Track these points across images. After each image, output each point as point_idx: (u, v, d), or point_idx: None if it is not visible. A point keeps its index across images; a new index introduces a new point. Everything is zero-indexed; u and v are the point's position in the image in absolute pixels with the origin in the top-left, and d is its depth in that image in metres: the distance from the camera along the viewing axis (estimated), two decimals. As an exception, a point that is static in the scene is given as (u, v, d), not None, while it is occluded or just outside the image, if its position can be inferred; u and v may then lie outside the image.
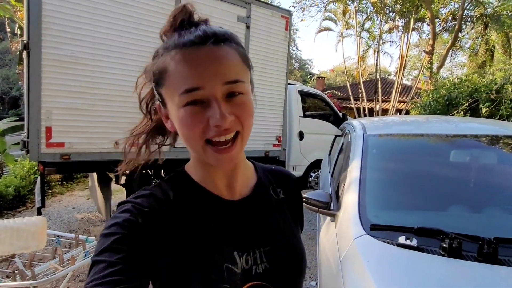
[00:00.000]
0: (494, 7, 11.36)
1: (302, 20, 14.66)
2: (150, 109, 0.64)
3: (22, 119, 4.00)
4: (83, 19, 3.32)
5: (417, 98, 11.91)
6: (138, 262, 0.50)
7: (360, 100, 14.84)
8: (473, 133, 2.11)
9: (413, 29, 13.45)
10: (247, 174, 0.70)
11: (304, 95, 6.13)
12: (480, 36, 11.88)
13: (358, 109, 14.62)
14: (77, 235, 2.18)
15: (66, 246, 2.43)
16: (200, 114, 0.52)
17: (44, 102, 3.20)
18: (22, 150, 3.40)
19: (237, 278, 0.58)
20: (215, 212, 0.62)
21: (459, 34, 11.42)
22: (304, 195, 1.96)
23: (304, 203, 1.94)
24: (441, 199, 1.73)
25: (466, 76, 7.52)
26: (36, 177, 4.77)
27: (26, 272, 1.70)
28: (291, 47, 22.63)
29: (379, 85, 14.92)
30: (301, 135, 5.90)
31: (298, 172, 5.90)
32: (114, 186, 4.42)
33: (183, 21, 0.55)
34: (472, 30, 12.88)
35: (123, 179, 4.46)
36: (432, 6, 10.27)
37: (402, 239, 1.38)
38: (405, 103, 13.99)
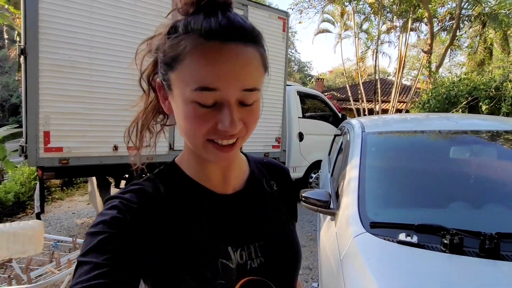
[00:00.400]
0: (492, 5, 11.38)
1: (300, 22, 14.69)
2: (151, 84, 0.59)
3: (22, 126, 4.00)
4: (80, 23, 3.33)
5: (417, 97, 11.90)
6: (125, 262, 0.48)
7: (360, 101, 14.83)
8: (473, 129, 2.10)
9: (411, 29, 13.48)
10: (240, 167, 0.69)
11: (303, 96, 6.13)
12: (478, 35, 11.89)
13: (358, 110, 14.63)
14: (74, 239, 2.16)
15: (65, 250, 2.41)
16: (209, 115, 0.50)
17: (42, 107, 3.19)
18: (20, 156, 3.39)
19: (232, 273, 0.57)
20: (207, 207, 0.60)
21: (457, 33, 11.43)
22: (303, 195, 1.94)
23: (303, 203, 1.94)
24: (441, 196, 1.71)
25: (465, 75, 7.52)
26: (36, 183, 4.76)
27: (22, 276, 1.68)
28: (289, 50, 22.70)
29: (379, 86, 14.92)
30: (300, 136, 5.89)
31: (298, 173, 5.88)
32: (114, 190, 4.40)
33: None
34: (470, 29, 12.90)
35: (122, 183, 4.44)
36: (430, 5, 10.29)
37: (402, 236, 1.36)
38: (405, 103, 13.99)
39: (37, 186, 3.76)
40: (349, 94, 15.55)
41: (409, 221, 1.42)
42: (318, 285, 3.05)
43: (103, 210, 0.53)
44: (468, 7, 11.97)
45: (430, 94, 7.53)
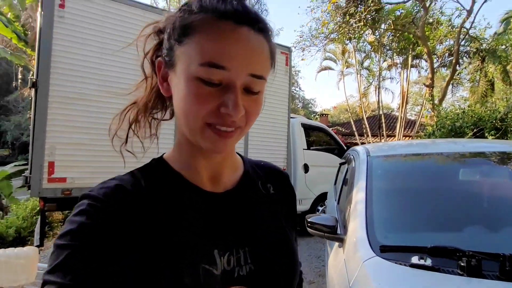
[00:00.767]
0: (489, 42, 11.74)
1: (302, 59, 15.17)
2: (154, 63, 0.57)
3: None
4: (91, 58, 3.47)
5: (422, 131, 11.91)
6: (95, 278, 0.43)
7: (365, 135, 14.89)
8: (482, 151, 2.04)
9: (412, 66, 13.86)
10: (234, 166, 0.64)
11: (307, 128, 6.16)
12: (478, 70, 12.15)
13: (363, 144, 14.62)
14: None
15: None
16: (212, 95, 0.47)
17: (49, 137, 3.24)
18: (23, 186, 3.38)
19: (216, 281, 0.50)
20: (193, 205, 0.55)
21: (457, 68, 11.69)
22: (308, 220, 1.87)
23: (309, 229, 1.86)
24: (453, 218, 1.63)
25: (469, 107, 7.57)
26: (38, 218, 4.70)
27: (10, 306, 1.58)
28: (293, 88, 23.25)
29: (383, 120, 15.04)
30: (306, 168, 5.82)
31: (304, 206, 5.73)
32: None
33: None
34: (470, 65, 13.20)
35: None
36: (428, 42, 10.65)
37: (415, 259, 1.28)
38: (410, 137, 13.97)
39: (39, 219, 3.70)
40: (354, 128, 15.66)
41: (422, 244, 1.34)
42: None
43: (71, 216, 0.48)
44: (466, 43, 12.37)
45: (435, 126, 7.53)
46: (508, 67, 11.68)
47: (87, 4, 3.45)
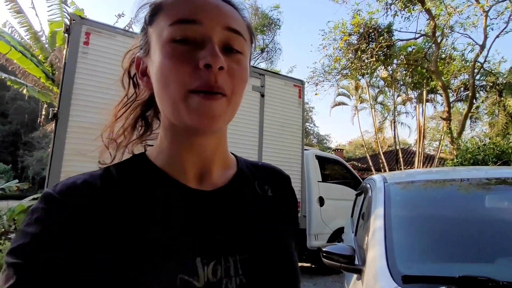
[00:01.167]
0: (505, 76, 11.65)
1: (316, 94, 15.38)
2: (134, 78, 0.56)
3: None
4: (108, 90, 3.60)
5: (442, 166, 11.54)
6: None
7: (382, 170, 14.52)
8: (508, 176, 1.92)
9: (427, 100, 13.79)
10: (225, 163, 0.56)
11: (322, 161, 6.06)
12: (496, 103, 11.95)
13: (380, 179, 14.20)
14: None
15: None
16: (189, 54, 0.43)
17: (65, 166, 3.29)
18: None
19: None
20: (172, 202, 0.47)
21: (474, 102, 11.54)
22: (324, 249, 1.76)
23: (324, 259, 1.74)
24: (483, 247, 1.49)
25: (490, 139, 7.35)
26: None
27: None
28: (308, 124, 23.36)
29: (400, 155, 14.72)
30: (321, 201, 5.64)
31: (320, 242, 5.46)
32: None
33: None
34: (487, 99, 13.03)
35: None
36: (443, 77, 10.67)
37: (443, 291, 1.15)
38: (430, 172, 13.53)
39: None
40: (370, 163, 15.36)
41: (449, 274, 1.22)
42: None
43: (24, 225, 0.41)
44: (481, 78, 12.31)
45: (455, 159, 7.29)
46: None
47: (109, 41, 3.67)
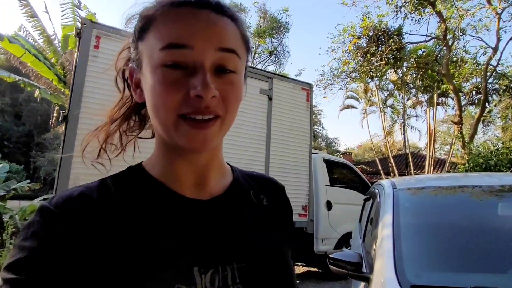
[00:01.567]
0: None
1: (324, 97, 15.28)
2: (127, 81, 0.55)
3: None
4: (118, 93, 3.65)
5: (453, 171, 11.33)
6: None
7: (392, 174, 14.34)
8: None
9: (438, 104, 13.58)
10: (221, 171, 0.56)
11: (330, 165, 6.00)
12: (510, 107, 11.69)
13: (390, 183, 14.02)
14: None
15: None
16: (180, 81, 0.43)
17: (74, 168, 3.33)
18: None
19: None
20: (171, 213, 0.48)
21: (487, 105, 11.31)
22: (330, 256, 1.73)
23: (330, 266, 1.71)
24: (496, 257, 1.44)
25: (503, 144, 7.17)
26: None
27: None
28: (316, 127, 23.25)
29: (410, 159, 14.52)
30: (329, 205, 5.58)
31: (328, 246, 5.40)
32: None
33: None
34: (500, 102, 12.76)
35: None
36: (454, 80, 10.49)
37: (453, 302, 1.12)
38: (441, 177, 13.30)
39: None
40: (380, 167, 15.18)
41: (460, 285, 1.18)
42: None
43: (20, 239, 0.41)
44: (494, 81, 12.06)
45: (466, 164, 7.14)
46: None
47: (119, 45, 3.66)
